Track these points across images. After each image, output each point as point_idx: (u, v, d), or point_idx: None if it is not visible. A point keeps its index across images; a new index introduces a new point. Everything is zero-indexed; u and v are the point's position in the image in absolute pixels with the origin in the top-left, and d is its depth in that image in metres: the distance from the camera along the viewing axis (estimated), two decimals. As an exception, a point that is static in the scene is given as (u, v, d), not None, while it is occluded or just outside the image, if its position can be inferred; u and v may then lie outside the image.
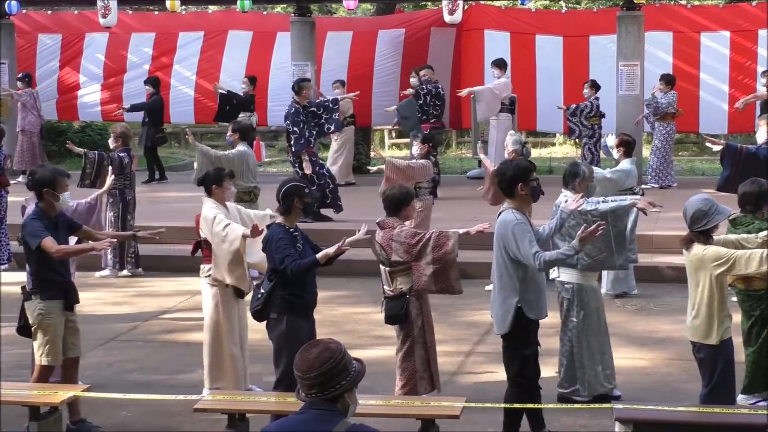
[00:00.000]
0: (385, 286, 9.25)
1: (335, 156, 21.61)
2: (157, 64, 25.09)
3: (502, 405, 9.05)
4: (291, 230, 8.68)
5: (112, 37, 25.09)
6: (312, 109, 17.29)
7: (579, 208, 8.88)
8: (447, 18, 20.00)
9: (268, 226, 8.86)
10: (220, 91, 21.79)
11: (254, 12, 23.34)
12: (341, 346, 4.83)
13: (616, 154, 13.37)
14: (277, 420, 4.91)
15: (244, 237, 9.35)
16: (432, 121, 19.68)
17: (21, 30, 25.08)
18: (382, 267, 9.23)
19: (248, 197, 14.28)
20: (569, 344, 9.55)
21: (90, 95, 25.15)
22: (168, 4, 21.17)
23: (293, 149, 16.89)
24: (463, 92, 20.73)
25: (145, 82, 22.74)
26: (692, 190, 18.40)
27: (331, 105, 17.70)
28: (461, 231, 9.06)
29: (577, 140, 21.04)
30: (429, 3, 28.09)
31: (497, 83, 20.17)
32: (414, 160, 14.29)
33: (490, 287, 13.59)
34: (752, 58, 21.96)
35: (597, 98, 20.12)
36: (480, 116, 20.37)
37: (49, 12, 26.64)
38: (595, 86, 20.21)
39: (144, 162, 22.96)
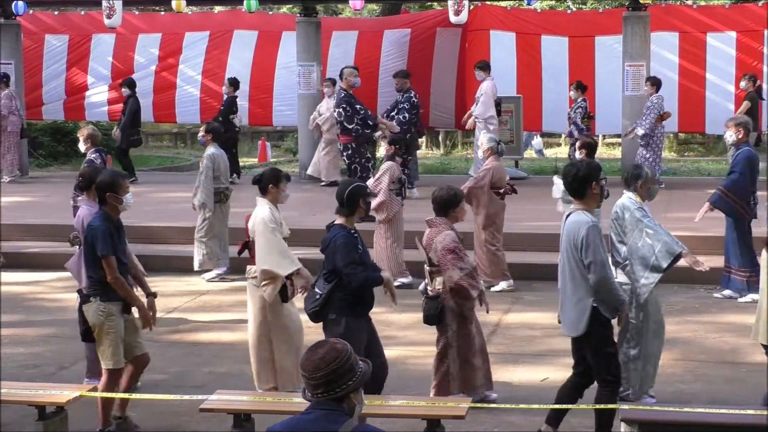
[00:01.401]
0: (427, 286, 9.30)
1: (322, 155, 21.47)
2: (163, 64, 25.15)
3: (507, 405, 9.06)
4: (351, 231, 8.64)
5: (119, 37, 25.14)
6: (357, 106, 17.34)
7: (639, 218, 9.03)
8: (452, 18, 20.01)
9: (328, 227, 8.79)
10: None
11: (260, 12, 23.35)
12: (347, 346, 4.83)
13: (578, 157, 13.33)
14: (283, 420, 4.91)
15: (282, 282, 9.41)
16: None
17: (28, 31, 25.12)
18: (425, 266, 9.29)
19: (218, 198, 14.46)
20: (626, 345, 9.38)
21: (97, 95, 25.19)
22: (174, 4, 21.18)
23: (360, 129, 16.92)
24: (469, 123, 20.53)
25: (122, 84, 22.74)
26: (700, 191, 18.55)
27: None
28: (483, 290, 9.33)
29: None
30: (435, 3, 28.10)
31: (486, 88, 20.07)
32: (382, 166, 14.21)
33: (497, 288, 13.68)
34: (759, 59, 21.96)
35: (584, 99, 20.10)
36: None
37: (56, 13, 26.68)
38: (581, 87, 20.19)
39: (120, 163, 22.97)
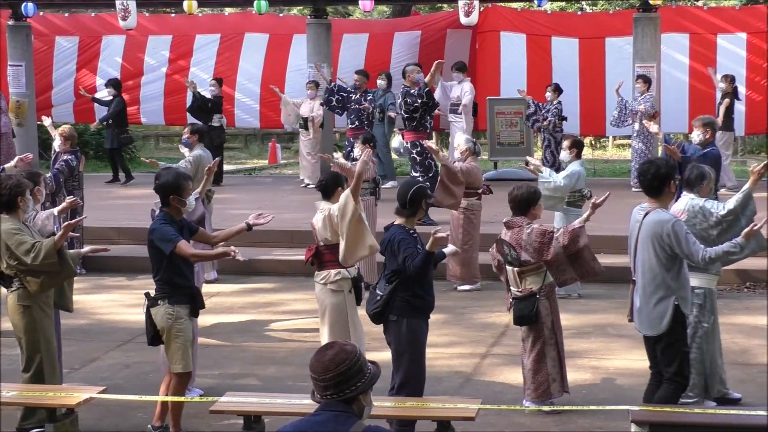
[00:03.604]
0: (512, 288, 9.28)
1: (308, 158, 21.55)
2: (174, 66, 25.18)
3: (518, 407, 9.06)
4: (411, 231, 8.60)
5: (129, 39, 25.17)
6: (412, 92, 17.27)
7: (717, 215, 8.89)
8: (463, 20, 20.02)
9: (386, 228, 8.75)
10: (194, 91, 21.76)
11: (270, 14, 23.36)
12: (357, 348, 4.85)
13: (567, 156, 13.25)
14: (293, 421, 4.92)
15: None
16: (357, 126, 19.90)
17: (38, 32, 25.16)
18: (509, 268, 9.25)
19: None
20: (698, 350, 9.21)
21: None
22: (185, 5, 21.21)
23: (426, 127, 17.00)
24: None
25: (107, 84, 22.91)
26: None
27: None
28: (585, 218, 9.18)
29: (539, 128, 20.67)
30: (445, 5, 28.10)
31: (466, 90, 20.41)
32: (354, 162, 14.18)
33: (462, 287, 13.73)
34: (769, 60, 21.96)
35: (560, 102, 20.11)
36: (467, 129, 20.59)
37: (66, 14, 26.72)
38: (558, 90, 20.22)
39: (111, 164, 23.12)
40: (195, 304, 8.81)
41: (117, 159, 22.88)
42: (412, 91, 17.04)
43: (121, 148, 23.00)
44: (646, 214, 8.22)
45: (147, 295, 8.84)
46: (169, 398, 8.95)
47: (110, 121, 22.40)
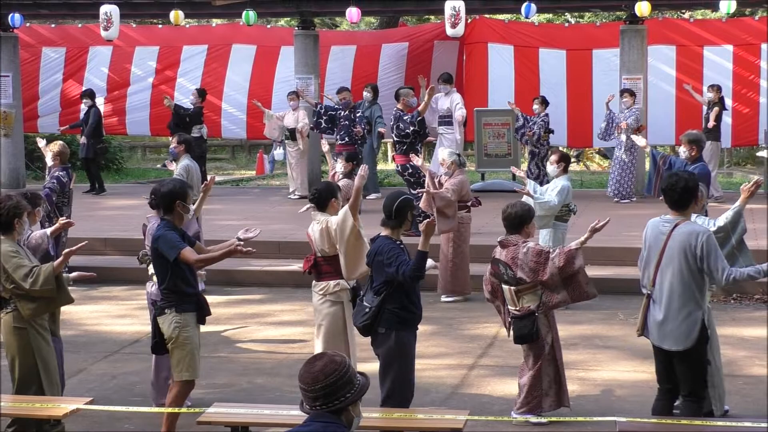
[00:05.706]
0: (510, 307, 9.19)
1: (295, 170, 21.61)
2: (161, 77, 25.16)
3: (506, 418, 9.06)
4: (398, 243, 8.56)
5: (116, 50, 25.16)
6: (405, 117, 17.26)
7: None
8: (449, 31, 20.04)
9: (372, 240, 8.70)
10: (171, 104, 21.78)
11: (258, 26, 23.37)
12: (346, 359, 4.85)
13: (555, 170, 13.21)
14: (282, 432, 4.92)
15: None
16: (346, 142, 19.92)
17: (25, 43, 25.13)
18: (505, 287, 9.17)
19: None
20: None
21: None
22: (172, 16, 21.19)
23: (416, 151, 16.99)
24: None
25: (82, 95, 22.92)
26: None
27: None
28: (582, 241, 9.06)
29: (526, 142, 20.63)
30: (432, 16, 28.16)
31: (457, 101, 20.52)
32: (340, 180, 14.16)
33: (448, 299, 13.74)
34: (755, 72, 22.04)
35: (547, 115, 20.13)
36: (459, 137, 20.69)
37: (53, 25, 26.71)
38: (545, 102, 20.28)
39: (83, 174, 23.10)
40: (202, 311, 8.82)
41: (92, 169, 22.86)
42: (405, 117, 17.02)
43: (97, 158, 22.95)
44: (675, 225, 8.13)
45: (154, 303, 8.84)
46: (156, 409, 8.94)
47: (83, 131, 22.37)
